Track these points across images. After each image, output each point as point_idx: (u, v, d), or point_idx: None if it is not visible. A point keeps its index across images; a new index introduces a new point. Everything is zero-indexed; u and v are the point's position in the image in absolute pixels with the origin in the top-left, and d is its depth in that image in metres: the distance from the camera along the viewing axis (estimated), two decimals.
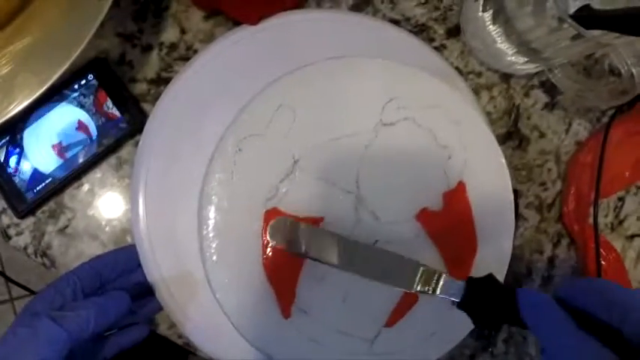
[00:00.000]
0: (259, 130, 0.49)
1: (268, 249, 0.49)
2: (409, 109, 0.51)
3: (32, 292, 0.63)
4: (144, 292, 0.52)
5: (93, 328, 0.43)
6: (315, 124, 0.50)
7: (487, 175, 0.53)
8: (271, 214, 0.49)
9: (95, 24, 0.45)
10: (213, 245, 0.48)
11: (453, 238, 0.52)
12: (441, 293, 0.45)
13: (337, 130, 0.51)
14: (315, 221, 0.50)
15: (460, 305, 0.44)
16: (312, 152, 0.50)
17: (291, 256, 0.49)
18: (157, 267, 0.52)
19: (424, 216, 0.52)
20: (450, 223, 0.52)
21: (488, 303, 0.43)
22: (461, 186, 0.53)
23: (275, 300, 0.50)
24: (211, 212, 0.48)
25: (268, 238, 0.49)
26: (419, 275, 0.45)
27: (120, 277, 0.51)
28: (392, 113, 0.51)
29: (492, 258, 0.53)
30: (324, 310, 0.51)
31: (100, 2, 0.45)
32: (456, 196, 0.52)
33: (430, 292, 0.45)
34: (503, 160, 0.54)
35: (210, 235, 0.48)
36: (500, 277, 0.54)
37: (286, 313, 0.50)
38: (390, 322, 0.52)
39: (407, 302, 0.52)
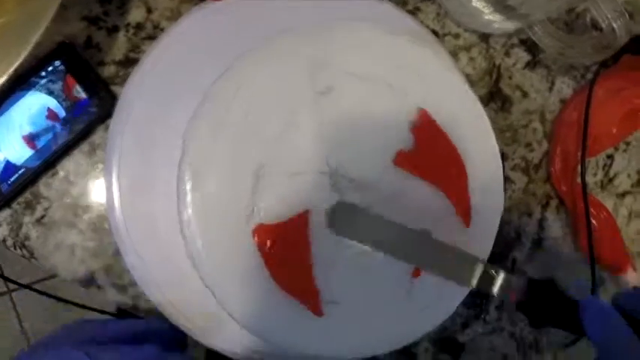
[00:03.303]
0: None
1: (271, 262, 0.48)
2: (342, 67, 0.49)
3: (22, 286, 0.63)
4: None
5: None
6: (264, 119, 0.48)
7: (451, 100, 0.51)
8: (259, 230, 0.48)
9: (52, 10, 0.44)
10: (207, 268, 0.47)
11: (439, 166, 0.51)
12: (499, 291, 0.45)
13: (280, 118, 0.49)
14: (302, 217, 0.49)
15: (519, 306, 0.44)
16: (271, 152, 0.48)
17: (295, 256, 0.49)
18: (137, 255, 0.51)
19: (402, 158, 0.50)
20: (430, 153, 0.51)
21: (548, 308, 0.43)
22: (422, 113, 0.50)
23: (301, 306, 0.49)
24: (197, 239, 0.47)
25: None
26: (477, 271, 0.45)
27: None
28: (325, 79, 0.49)
29: (485, 181, 0.52)
30: (350, 293, 0.49)
31: None
32: (423, 124, 0.50)
33: (488, 290, 0.45)
34: (467, 87, 0.52)
35: (203, 256, 0.47)
36: (499, 198, 0.53)
37: (318, 311, 0.49)
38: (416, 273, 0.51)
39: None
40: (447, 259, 0.47)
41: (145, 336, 0.50)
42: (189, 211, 0.46)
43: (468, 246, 0.48)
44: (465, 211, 0.51)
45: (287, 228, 0.48)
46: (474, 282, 0.45)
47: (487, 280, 0.45)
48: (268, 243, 0.48)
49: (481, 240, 0.52)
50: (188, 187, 0.46)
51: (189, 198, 0.46)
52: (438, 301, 0.51)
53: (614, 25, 0.56)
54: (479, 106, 0.51)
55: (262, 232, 0.48)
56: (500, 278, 0.45)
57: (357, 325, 0.49)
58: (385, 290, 0.50)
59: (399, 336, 0.51)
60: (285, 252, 0.48)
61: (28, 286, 0.61)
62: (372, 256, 0.49)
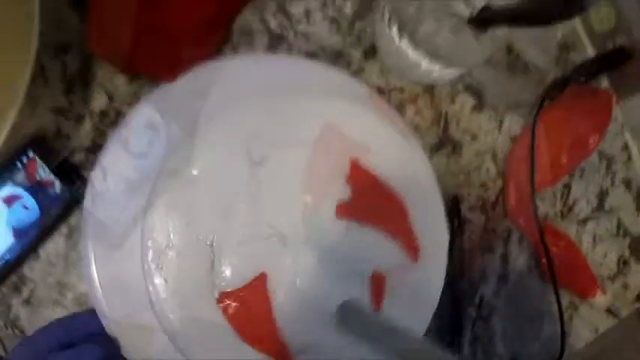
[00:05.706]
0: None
1: (237, 323, 0.51)
2: (273, 136, 0.53)
3: None
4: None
5: None
6: (211, 197, 0.52)
7: (382, 146, 0.55)
8: (223, 297, 0.51)
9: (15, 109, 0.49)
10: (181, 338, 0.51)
11: (379, 209, 0.54)
12: None
13: (225, 194, 0.52)
14: (259, 279, 0.52)
15: None
16: (219, 225, 0.52)
17: (259, 315, 0.52)
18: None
19: (342, 209, 0.53)
20: (368, 199, 0.54)
21: None
22: (352, 162, 0.54)
23: None
24: (169, 314, 0.51)
25: None
26: None
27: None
28: (259, 149, 0.53)
29: (426, 215, 0.55)
30: (318, 341, 0.52)
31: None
32: (355, 174, 0.54)
33: None
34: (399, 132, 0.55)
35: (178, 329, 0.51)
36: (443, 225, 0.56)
37: None
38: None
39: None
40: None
41: (100, 336, 0.52)
42: (158, 291, 0.51)
43: (419, 279, 0.53)
44: (411, 247, 0.54)
45: (247, 291, 0.52)
46: None
47: None
48: (232, 306, 0.52)
49: (431, 274, 0.55)
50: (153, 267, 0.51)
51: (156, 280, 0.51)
52: None
53: (542, 62, 0.59)
54: (419, 152, 0.55)
55: (225, 298, 0.51)
56: None
57: None
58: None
59: None
60: (250, 312, 0.51)
61: None
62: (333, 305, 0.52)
